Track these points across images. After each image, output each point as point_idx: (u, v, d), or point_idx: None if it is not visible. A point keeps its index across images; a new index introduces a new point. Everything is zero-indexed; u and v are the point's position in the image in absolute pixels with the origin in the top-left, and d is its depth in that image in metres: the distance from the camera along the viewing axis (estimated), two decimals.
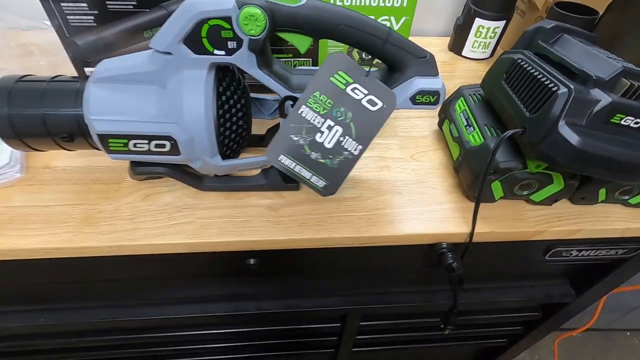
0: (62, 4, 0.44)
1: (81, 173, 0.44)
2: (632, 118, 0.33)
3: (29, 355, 0.61)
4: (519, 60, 0.40)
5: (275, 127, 0.44)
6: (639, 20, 0.50)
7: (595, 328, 1.16)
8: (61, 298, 0.51)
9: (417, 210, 0.43)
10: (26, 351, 0.60)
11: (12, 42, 0.57)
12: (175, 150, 0.36)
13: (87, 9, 0.45)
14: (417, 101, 0.37)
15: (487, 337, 0.75)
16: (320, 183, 0.36)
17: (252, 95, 0.43)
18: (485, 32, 0.67)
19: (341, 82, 0.34)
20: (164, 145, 0.35)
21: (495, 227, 0.41)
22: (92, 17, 0.45)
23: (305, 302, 0.56)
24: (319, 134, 0.34)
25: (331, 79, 0.34)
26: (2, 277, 0.45)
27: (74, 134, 0.35)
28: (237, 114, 0.38)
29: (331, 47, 0.54)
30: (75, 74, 0.50)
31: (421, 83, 0.36)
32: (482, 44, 0.69)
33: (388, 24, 0.44)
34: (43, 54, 0.56)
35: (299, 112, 0.34)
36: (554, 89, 0.34)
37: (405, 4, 0.52)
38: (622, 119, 0.33)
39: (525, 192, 0.42)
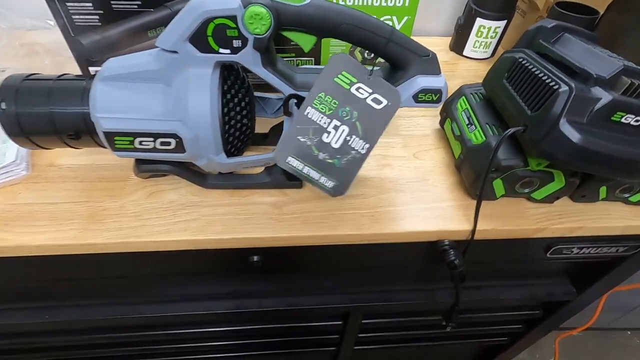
0: (68, 4, 0.44)
1: (86, 171, 0.44)
2: (633, 116, 0.34)
3: (33, 352, 0.61)
4: (521, 59, 0.40)
5: (279, 126, 0.44)
6: (639, 20, 0.51)
7: (596, 327, 1.16)
8: (65, 295, 0.52)
9: (419, 208, 0.43)
10: (30, 348, 0.60)
11: (16, 42, 0.57)
12: (180, 147, 0.36)
13: (92, 8, 0.45)
14: (420, 99, 0.37)
15: (488, 335, 0.75)
16: (330, 183, 0.36)
17: (255, 94, 0.43)
18: (486, 31, 0.68)
19: (345, 82, 0.34)
20: (169, 143, 0.36)
21: (496, 224, 0.42)
22: (97, 17, 0.46)
23: (308, 299, 0.56)
24: (325, 135, 0.35)
25: (335, 79, 0.34)
26: (8, 273, 0.45)
27: (80, 131, 0.36)
28: (242, 112, 0.38)
29: (334, 46, 0.55)
30: (80, 73, 0.51)
31: (424, 81, 0.36)
32: (483, 43, 0.69)
33: (390, 24, 0.44)
34: (47, 54, 0.56)
35: (305, 113, 0.34)
36: (555, 87, 0.34)
37: (407, 4, 0.52)
38: (622, 116, 0.34)
39: (526, 190, 0.43)
